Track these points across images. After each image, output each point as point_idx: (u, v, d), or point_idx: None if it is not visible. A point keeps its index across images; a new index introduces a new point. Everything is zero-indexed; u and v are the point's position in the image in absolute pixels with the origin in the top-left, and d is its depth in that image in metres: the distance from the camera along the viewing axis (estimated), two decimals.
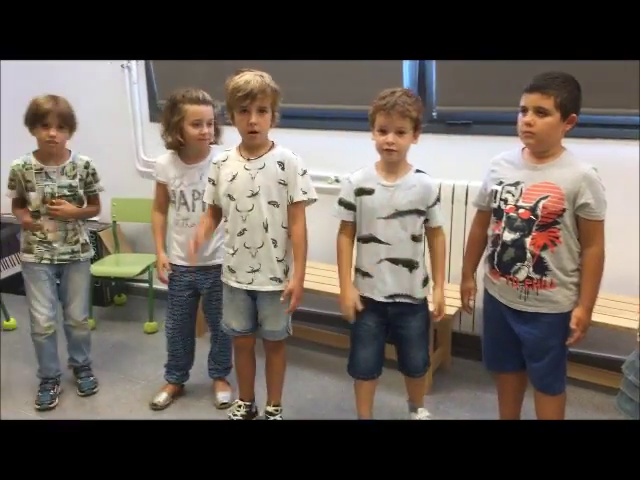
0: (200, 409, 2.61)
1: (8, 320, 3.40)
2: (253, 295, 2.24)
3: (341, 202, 2.12)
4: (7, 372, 2.92)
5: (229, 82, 2.06)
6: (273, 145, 2.16)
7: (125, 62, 3.36)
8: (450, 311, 2.45)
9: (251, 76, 2.03)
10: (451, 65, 2.74)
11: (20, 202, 2.61)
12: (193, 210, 2.45)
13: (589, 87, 1.89)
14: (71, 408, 2.65)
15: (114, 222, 3.53)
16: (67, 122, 2.49)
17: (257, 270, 2.17)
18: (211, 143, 2.48)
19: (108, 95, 3.47)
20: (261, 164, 2.11)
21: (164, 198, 2.52)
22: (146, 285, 3.40)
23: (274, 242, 2.15)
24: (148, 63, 3.39)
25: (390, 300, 2.10)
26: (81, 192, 2.61)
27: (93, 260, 3.45)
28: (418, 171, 2.07)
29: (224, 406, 2.59)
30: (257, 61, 2.31)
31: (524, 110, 1.84)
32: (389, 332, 2.19)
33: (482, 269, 2.09)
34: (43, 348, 2.66)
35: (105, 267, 3.42)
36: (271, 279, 2.18)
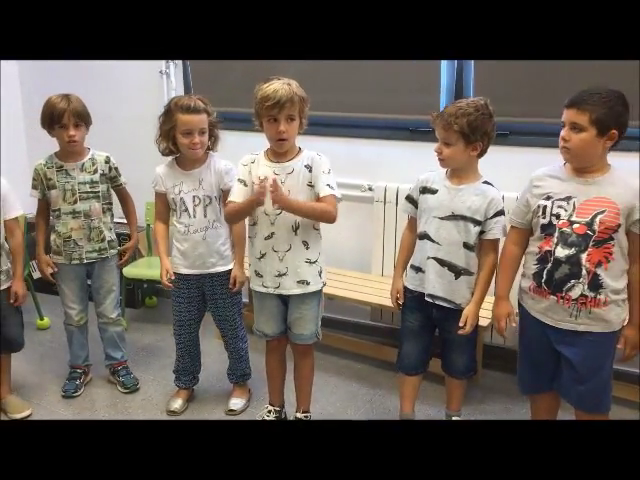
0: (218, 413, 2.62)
1: (42, 319, 3.46)
2: (284, 299, 2.25)
3: (406, 197, 2.22)
4: (39, 370, 2.98)
5: (257, 90, 2.06)
6: (300, 150, 2.18)
7: (164, 68, 3.41)
8: (482, 322, 2.42)
9: (279, 85, 2.03)
10: (488, 76, 2.73)
11: (45, 204, 2.65)
12: (194, 216, 2.42)
13: None
14: (103, 408, 2.69)
15: (148, 225, 3.58)
16: (83, 119, 2.53)
17: (284, 274, 2.17)
18: (208, 150, 2.44)
19: (146, 101, 3.51)
20: (290, 169, 2.12)
21: (164, 207, 2.50)
22: None
23: (305, 244, 2.15)
24: (186, 70, 3.43)
25: (430, 300, 2.12)
26: (104, 188, 2.64)
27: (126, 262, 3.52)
28: (486, 183, 2.07)
29: (232, 413, 2.60)
30: (291, 66, 2.35)
31: (564, 125, 1.83)
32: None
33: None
34: (73, 335, 2.79)
35: (137, 269, 3.46)
36: (298, 282, 2.18)
